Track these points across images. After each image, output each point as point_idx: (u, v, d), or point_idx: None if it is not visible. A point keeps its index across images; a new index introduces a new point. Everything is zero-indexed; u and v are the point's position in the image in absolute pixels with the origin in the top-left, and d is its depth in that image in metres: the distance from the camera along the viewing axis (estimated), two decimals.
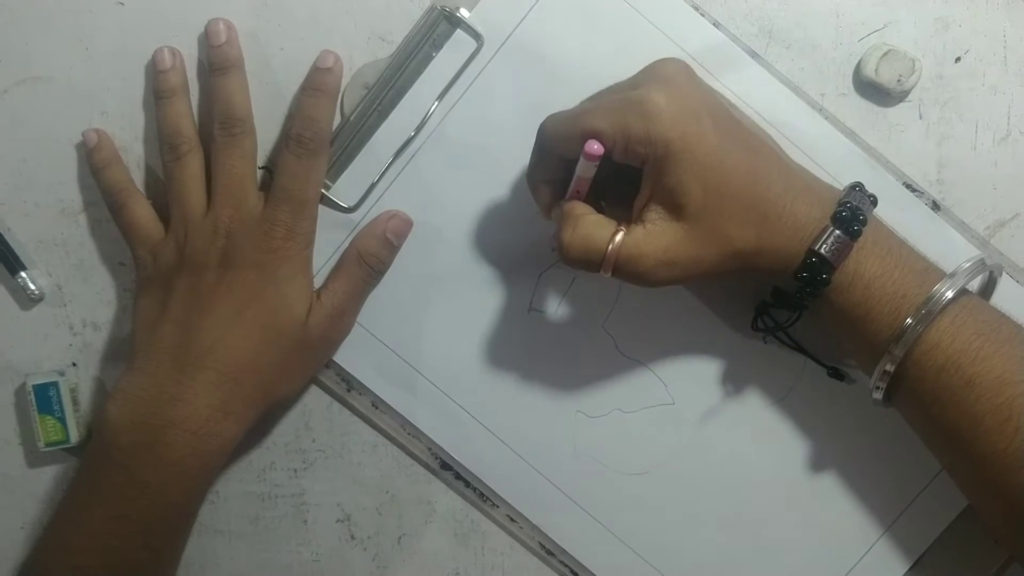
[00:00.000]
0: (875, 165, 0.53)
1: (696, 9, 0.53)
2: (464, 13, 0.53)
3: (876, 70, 0.52)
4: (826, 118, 0.53)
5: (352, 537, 0.57)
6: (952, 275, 0.45)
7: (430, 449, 0.56)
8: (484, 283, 0.55)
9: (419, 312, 0.55)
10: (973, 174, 0.53)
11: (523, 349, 0.55)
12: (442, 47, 0.54)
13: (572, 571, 0.56)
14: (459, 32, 0.53)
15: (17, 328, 0.56)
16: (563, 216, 0.48)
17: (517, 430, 0.55)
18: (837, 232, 0.45)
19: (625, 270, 0.46)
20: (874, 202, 0.48)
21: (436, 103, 0.54)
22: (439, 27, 0.54)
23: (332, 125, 0.53)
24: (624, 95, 0.46)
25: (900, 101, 0.53)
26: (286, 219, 0.51)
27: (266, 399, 0.52)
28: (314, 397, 0.56)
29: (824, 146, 0.53)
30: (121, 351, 0.56)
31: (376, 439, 0.56)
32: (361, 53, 0.54)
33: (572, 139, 0.46)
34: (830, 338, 0.51)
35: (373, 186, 0.54)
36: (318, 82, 0.53)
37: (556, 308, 0.55)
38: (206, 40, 0.53)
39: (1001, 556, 0.54)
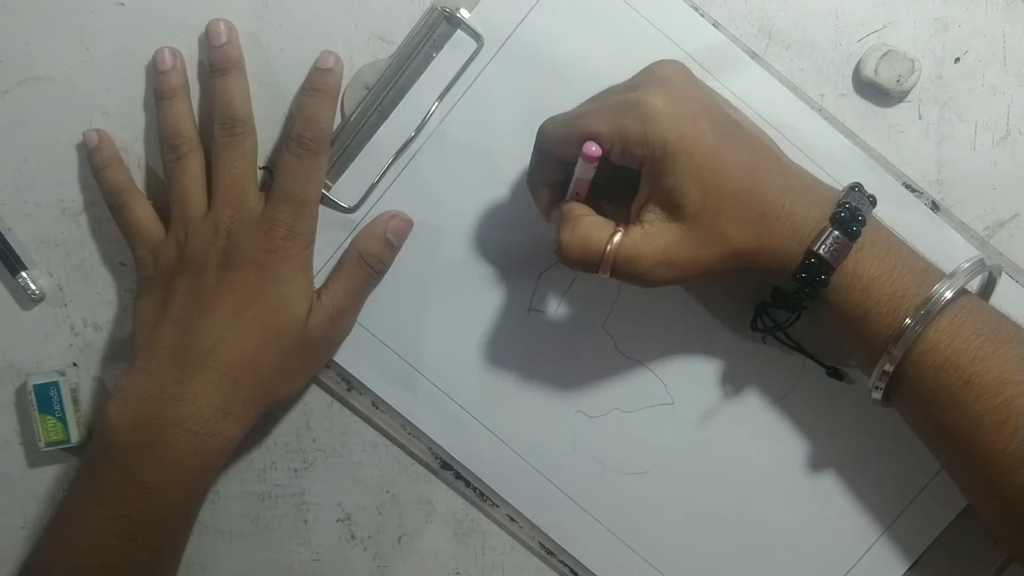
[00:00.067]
0: (874, 165, 0.53)
1: (696, 10, 0.53)
2: (464, 14, 0.53)
3: (875, 70, 0.52)
4: (825, 118, 0.53)
5: (352, 537, 0.57)
6: (951, 275, 0.45)
7: (430, 449, 0.56)
8: (484, 283, 0.55)
9: (419, 312, 0.55)
10: (972, 174, 0.53)
11: (523, 349, 0.55)
12: (442, 48, 0.54)
13: (572, 571, 0.56)
14: (459, 33, 0.53)
15: (18, 328, 0.56)
16: (562, 217, 0.48)
17: (517, 430, 0.55)
18: (836, 233, 0.45)
19: (623, 270, 0.46)
20: (873, 203, 0.48)
21: (436, 103, 0.54)
22: (439, 28, 0.54)
23: (332, 125, 0.53)
24: (622, 97, 0.46)
25: (899, 101, 0.53)
26: (286, 219, 0.51)
27: (266, 399, 0.52)
28: (314, 397, 0.56)
29: (823, 146, 0.53)
30: (122, 351, 0.56)
31: (376, 439, 0.57)
32: (361, 54, 0.54)
33: (571, 141, 0.46)
34: (829, 338, 0.51)
35: (373, 186, 0.54)
36: (319, 82, 0.53)
37: (556, 308, 0.55)
38: (207, 41, 0.53)
39: (1000, 556, 0.54)
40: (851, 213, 0.45)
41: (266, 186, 0.53)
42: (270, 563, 0.57)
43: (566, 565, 0.56)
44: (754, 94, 0.53)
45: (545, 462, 0.56)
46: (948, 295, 0.44)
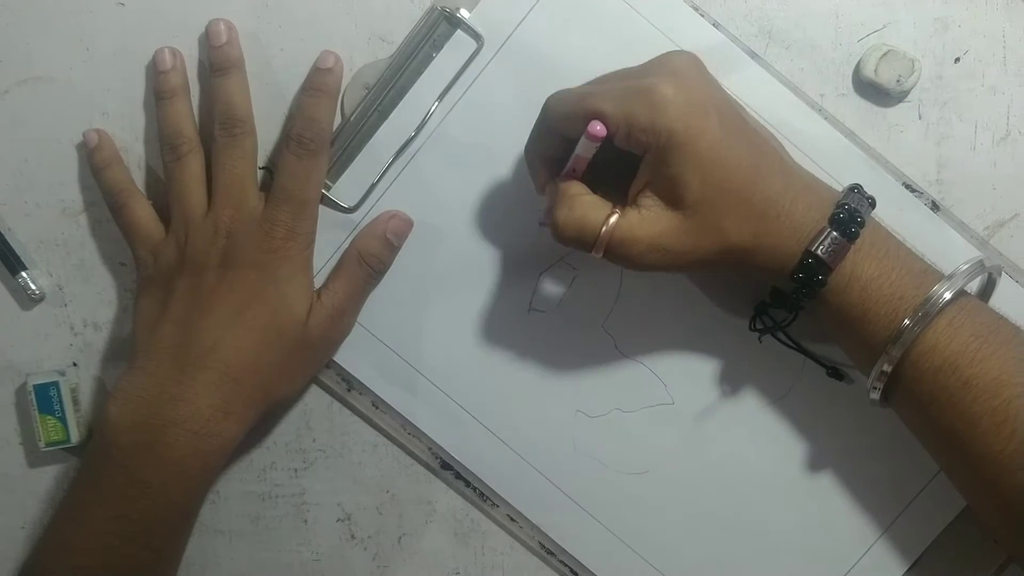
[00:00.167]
0: (874, 165, 0.53)
1: (696, 9, 0.53)
2: (464, 13, 0.53)
3: (875, 70, 0.52)
4: (825, 118, 0.53)
5: (352, 537, 0.57)
6: (950, 277, 0.45)
7: (430, 449, 0.56)
8: (484, 283, 0.55)
9: (419, 312, 0.55)
10: (972, 174, 0.53)
11: (523, 349, 0.55)
12: (442, 47, 0.54)
13: (572, 571, 0.56)
14: (459, 32, 0.53)
15: (18, 328, 0.56)
16: (559, 194, 0.48)
17: (517, 430, 0.55)
18: (834, 234, 0.45)
19: (616, 252, 0.46)
20: (872, 204, 0.48)
21: (436, 103, 0.54)
22: (439, 28, 0.54)
23: (332, 125, 0.53)
24: (633, 83, 0.46)
25: (899, 101, 0.53)
26: (286, 219, 0.51)
27: (266, 399, 0.52)
28: (314, 397, 0.56)
29: (823, 146, 0.53)
30: (122, 351, 0.56)
31: (376, 439, 0.57)
32: (361, 53, 0.54)
33: (576, 118, 0.46)
34: (828, 338, 0.51)
35: (373, 186, 0.54)
36: (319, 82, 0.53)
37: (556, 308, 0.55)
38: (207, 41, 0.53)
39: (1000, 556, 0.54)
40: (850, 214, 0.45)
41: (266, 186, 0.53)
42: (270, 563, 0.57)
43: (566, 565, 0.56)
44: (754, 94, 0.53)
45: (545, 462, 0.56)
46: (947, 296, 0.44)
